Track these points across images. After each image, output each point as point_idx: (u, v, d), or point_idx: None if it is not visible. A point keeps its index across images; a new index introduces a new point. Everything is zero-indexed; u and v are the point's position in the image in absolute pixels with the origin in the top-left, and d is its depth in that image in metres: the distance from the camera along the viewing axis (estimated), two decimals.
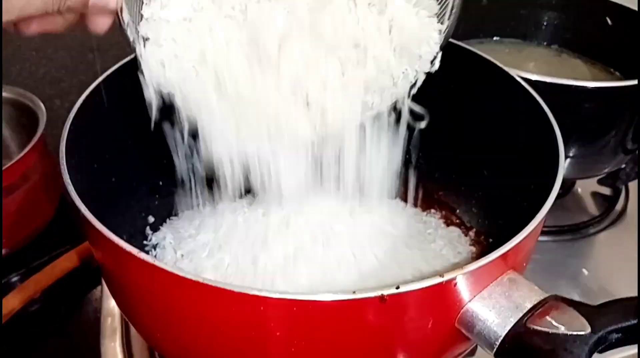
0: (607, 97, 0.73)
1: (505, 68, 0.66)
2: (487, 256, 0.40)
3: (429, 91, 0.75)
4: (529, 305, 0.40)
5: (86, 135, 0.58)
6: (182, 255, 0.60)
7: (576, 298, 0.73)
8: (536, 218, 0.44)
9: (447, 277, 0.38)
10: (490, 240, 0.67)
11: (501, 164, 0.67)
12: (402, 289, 0.36)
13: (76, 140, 0.55)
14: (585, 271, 0.78)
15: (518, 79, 0.65)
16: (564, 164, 0.50)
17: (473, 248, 0.66)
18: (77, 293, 0.79)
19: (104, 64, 0.67)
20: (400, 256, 0.59)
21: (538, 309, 0.39)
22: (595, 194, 0.93)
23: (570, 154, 0.79)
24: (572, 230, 0.85)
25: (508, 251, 0.41)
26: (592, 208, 0.92)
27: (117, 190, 0.64)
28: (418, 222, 0.66)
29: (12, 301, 0.77)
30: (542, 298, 0.40)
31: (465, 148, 0.72)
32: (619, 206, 0.90)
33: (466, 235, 0.67)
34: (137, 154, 0.69)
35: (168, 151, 0.74)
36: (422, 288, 0.37)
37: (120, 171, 0.65)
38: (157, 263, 0.38)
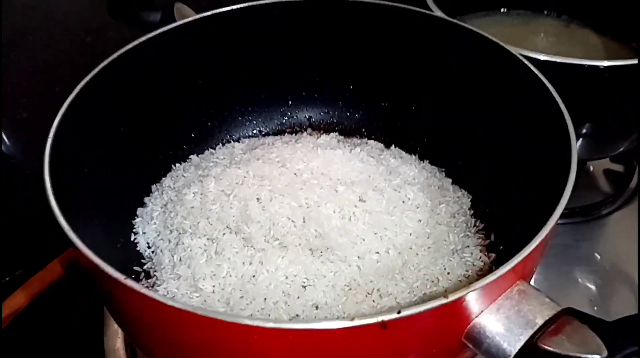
0: (620, 76, 0.69)
1: (512, 50, 0.62)
2: (495, 271, 0.37)
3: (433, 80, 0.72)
4: (540, 321, 0.37)
5: (73, 144, 0.56)
6: (180, 259, 0.58)
7: (590, 285, 0.73)
8: (547, 225, 0.42)
9: (452, 298, 0.35)
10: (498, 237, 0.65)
11: (511, 158, 0.64)
12: (404, 313, 0.34)
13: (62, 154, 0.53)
14: (597, 256, 0.76)
15: (526, 62, 0.61)
16: (575, 172, 0.47)
17: (481, 240, 0.63)
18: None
19: (102, 47, 0.65)
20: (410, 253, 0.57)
21: (550, 325, 0.37)
22: (608, 172, 0.90)
23: (583, 132, 0.76)
24: (583, 211, 0.82)
25: (518, 263, 0.39)
26: (605, 186, 0.89)
27: (110, 191, 0.62)
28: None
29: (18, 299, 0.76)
30: (554, 312, 0.38)
31: (473, 140, 0.69)
32: (632, 184, 0.87)
33: (475, 226, 0.65)
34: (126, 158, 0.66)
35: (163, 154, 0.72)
36: (426, 311, 0.35)
37: (109, 178, 0.63)
38: (152, 295, 0.35)
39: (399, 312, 0.34)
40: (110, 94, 0.63)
